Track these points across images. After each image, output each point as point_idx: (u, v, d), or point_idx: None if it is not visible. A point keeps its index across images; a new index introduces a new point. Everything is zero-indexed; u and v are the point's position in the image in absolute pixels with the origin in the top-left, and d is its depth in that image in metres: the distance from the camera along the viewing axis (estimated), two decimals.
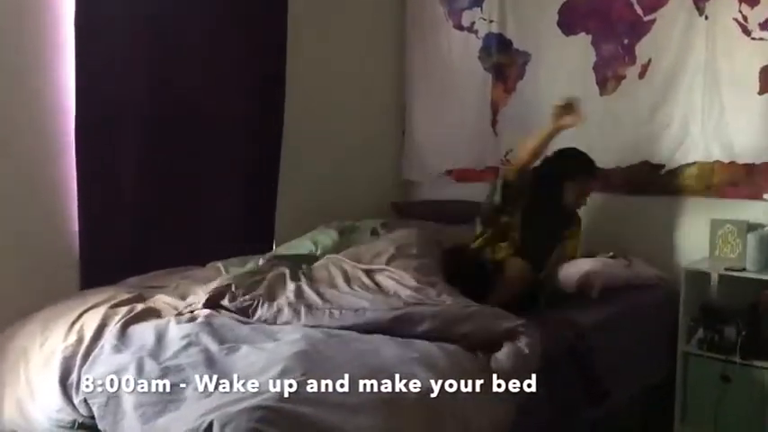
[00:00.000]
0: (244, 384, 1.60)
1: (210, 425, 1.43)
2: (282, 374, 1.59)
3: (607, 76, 3.21)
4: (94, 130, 2.69)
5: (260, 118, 3.28)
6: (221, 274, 2.61)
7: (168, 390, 1.65)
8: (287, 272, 2.39)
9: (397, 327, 1.93)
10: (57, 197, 2.67)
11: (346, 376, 1.62)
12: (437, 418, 1.59)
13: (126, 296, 2.31)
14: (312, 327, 1.95)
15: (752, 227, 2.70)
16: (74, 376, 1.91)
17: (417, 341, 1.85)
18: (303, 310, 2.03)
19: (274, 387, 1.53)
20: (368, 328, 1.93)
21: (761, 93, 2.73)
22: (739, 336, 2.54)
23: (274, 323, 2.03)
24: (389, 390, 1.60)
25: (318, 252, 2.73)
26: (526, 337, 1.89)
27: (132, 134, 2.83)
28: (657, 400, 2.76)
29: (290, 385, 1.54)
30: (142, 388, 1.68)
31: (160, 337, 1.91)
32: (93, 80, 2.67)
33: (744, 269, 2.59)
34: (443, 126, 3.82)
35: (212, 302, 2.15)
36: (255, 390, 1.54)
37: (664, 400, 2.74)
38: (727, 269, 2.64)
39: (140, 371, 1.75)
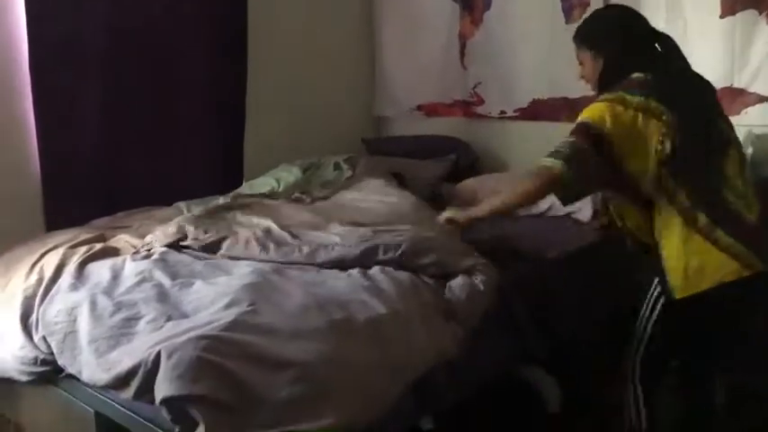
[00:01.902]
0: (193, 317, 1.64)
1: (158, 355, 1.48)
2: (230, 305, 1.63)
3: (573, 3, 3.16)
4: (52, 67, 2.64)
5: (225, 55, 3.23)
6: (183, 213, 2.63)
7: (121, 324, 1.69)
8: (251, 209, 2.40)
9: (364, 260, 1.95)
10: (16, 139, 2.65)
11: (294, 305, 1.66)
12: (380, 341, 1.63)
13: (87, 236, 2.33)
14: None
15: None
16: (34, 315, 1.95)
17: (369, 270, 1.88)
18: (272, 246, 2.04)
19: (221, 318, 1.57)
20: (337, 265, 1.96)
21: (722, 16, 2.70)
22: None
23: (240, 259, 2.04)
24: (335, 317, 1.63)
25: (281, 189, 2.74)
26: (482, 275, 1.92)
27: (93, 72, 2.78)
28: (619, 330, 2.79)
29: (238, 315, 1.57)
30: (95, 323, 1.72)
31: (115, 275, 1.94)
32: (47, 15, 2.59)
33: None
34: (413, 60, 3.78)
35: (172, 241, 2.17)
36: (203, 321, 1.58)
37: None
38: None
39: (94, 307, 1.79)
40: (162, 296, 1.77)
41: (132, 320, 1.69)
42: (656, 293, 1.92)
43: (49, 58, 2.63)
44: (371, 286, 1.78)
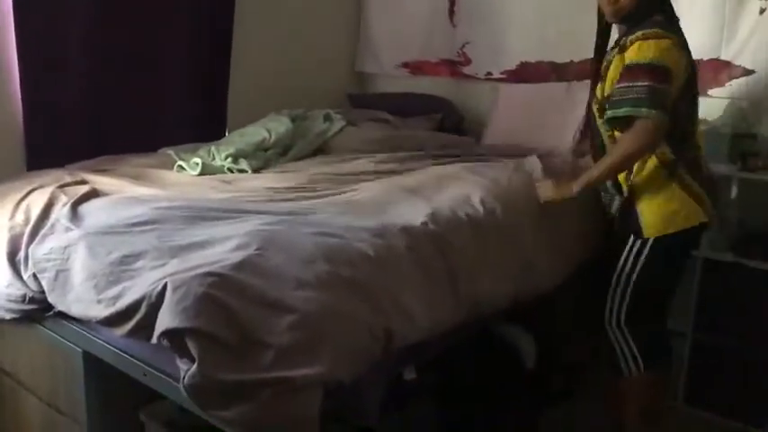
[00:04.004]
0: (200, 254, 1.63)
1: (164, 288, 1.48)
2: (238, 248, 1.62)
3: None
4: (36, 10, 2.56)
5: (212, 6, 3.17)
6: (173, 160, 2.61)
7: (119, 261, 1.68)
8: None
9: None
10: None
11: (301, 254, 1.66)
12: (376, 305, 1.64)
13: (73, 178, 2.30)
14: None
15: None
16: (21, 253, 1.93)
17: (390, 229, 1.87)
18: None
19: (229, 258, 1.57)
20: None
21: None
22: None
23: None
24: (340, 272, 1.64)
25: (272, 139, 2.72)
26: None
27: (78, 17, 2.70)
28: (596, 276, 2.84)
29: (245, 257, 1.58)
30: (93, 261, 1.70)
31: (114, 213, 1.92)
32: None
33: None
34: (399, 16, 3.75)
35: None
36: (211, 260, 1.58)
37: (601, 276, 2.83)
38: None
39: (91, 245, 1.76)
40: (164, 236, 1.75)
41: (131, 257, 1.68)
42: (635, 248, 2.10)
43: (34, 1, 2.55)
44: (384, 246, 1.77)
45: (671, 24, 2.02)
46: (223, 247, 1.63)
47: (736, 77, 2.73)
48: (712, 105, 2.78)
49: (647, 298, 2.14)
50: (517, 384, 2.56)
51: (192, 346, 1.42)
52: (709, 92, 2.78)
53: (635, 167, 2.06)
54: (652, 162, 2.04)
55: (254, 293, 1.49)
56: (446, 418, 2.37)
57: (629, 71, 1.92)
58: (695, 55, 2.75)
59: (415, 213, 1.97)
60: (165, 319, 1.45)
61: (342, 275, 1.64)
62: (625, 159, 1.99)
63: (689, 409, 2.66)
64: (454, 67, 3.60)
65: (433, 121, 3.43)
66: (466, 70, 3.56)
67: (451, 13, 3.56)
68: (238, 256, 1.56)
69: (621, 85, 1.93)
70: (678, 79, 1.95)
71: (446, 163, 2.58)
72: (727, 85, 2.75)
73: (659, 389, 2.29)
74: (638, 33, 1.96)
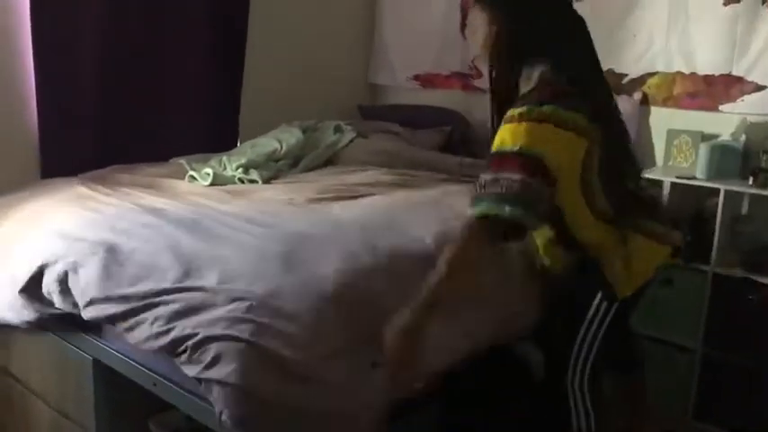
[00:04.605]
0: (213, 275, 1.65)
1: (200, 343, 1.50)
2: (254, 281, 1.63)
3: None
4: (52, 22, 2.60)
5: (226, 16, 3.20)
6: (185, 170, 2.63)
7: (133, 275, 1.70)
8: None
9: None
10: (14, 91, 2.61)
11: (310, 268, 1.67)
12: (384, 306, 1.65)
13: (84, 188, 2.33)
14: None
15: (706, 137, 2.76)
16: (35, 262, 1.94)
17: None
18: None
19: (251, 291, 1.59)
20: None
21: (726, 4, 2.73)
22: (683, 240, 2.63)
23: None
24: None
25: (283, 150, 2.74)
26: None
27: (93, 27, 2.74)
28: None
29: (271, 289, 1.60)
30: (106, 271, 1.72)
31: (125, 222, 1.94)
32: None
33: (694, 177, 2.67)
34: (412, 29, 3.77)
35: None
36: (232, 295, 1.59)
37: None
38: (678, 177, 2.71)
39: (105, 255, 1.78)
40: (175, 247, 1.76)
41: (144, 269, 1.69)
42: (602, 309, 1.86)
43: (50, 12, 2.59)
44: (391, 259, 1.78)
45: (568, 81, 1.63)
46: (240, 278, 1.64)
47: (748, 93, 2.72)
48: (723, 121, 2.78)
49: (611, 351, 2.00)
50: (526, 395, 2.56)
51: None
52: (721, 107, 2.78)
53: (589, 238, 1.79)
54: (605, 233, 1.79)
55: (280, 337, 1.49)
56: (452, 428, 2.37)
57: (495, 159, 1.58)
58: (707, 70, 2.81)
59: (424, 230, 1.97)
60: (219, 397, 1.46)
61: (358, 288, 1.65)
62: (452, 273, 1.52)
63: (698, 424, 2.64)
64: (465, 80, 3.62)
65: (442, 133, 3.43)
66: (477, 83, 3.57)
67: (463, 26, 3.57)
68: (257, 291, 1.57)
69: (486, 176, 1.57)
70: (568, 164, 1.61)
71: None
72: (738, 100, 2.74)
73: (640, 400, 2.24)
74: (520, 109, 1.57)
